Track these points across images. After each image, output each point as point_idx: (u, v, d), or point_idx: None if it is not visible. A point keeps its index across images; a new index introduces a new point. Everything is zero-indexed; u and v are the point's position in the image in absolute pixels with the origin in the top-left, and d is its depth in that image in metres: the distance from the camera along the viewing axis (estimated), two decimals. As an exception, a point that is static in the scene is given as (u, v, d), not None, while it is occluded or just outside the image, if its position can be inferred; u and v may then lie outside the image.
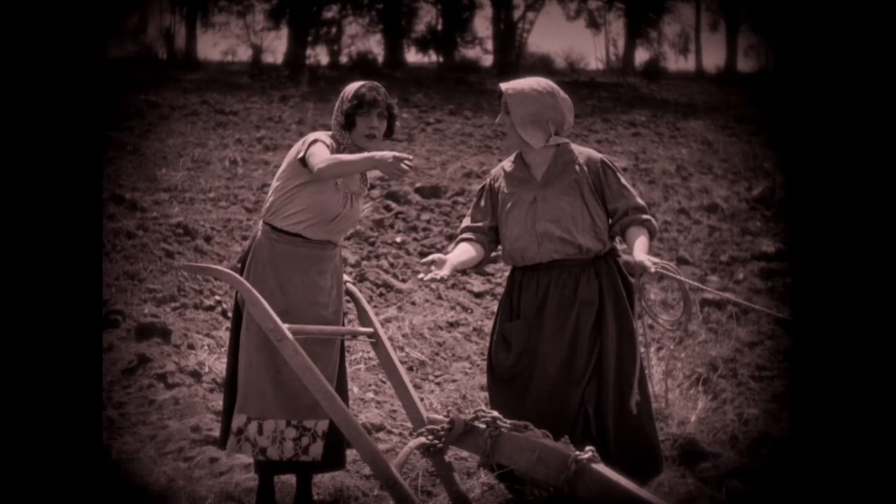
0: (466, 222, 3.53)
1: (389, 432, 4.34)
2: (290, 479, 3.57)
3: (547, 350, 3.31)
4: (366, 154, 3.15)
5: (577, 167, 3.39)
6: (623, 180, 3.42)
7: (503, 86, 3.41)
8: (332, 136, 3.40)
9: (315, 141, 3.31)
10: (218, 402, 4.36)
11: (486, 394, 4.86)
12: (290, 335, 3.04)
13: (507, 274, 7.17)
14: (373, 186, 9.74)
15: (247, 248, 3.47)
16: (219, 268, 3.25)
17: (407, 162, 3.05)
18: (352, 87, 3.40)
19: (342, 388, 3.47)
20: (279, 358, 3.25)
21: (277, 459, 3.34)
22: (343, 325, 3.59)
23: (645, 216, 3.39)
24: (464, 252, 3.41)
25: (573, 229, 3.33)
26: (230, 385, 3.42)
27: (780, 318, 4.55)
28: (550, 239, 3.33)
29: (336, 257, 3.48)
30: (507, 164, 3.53)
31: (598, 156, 3.45)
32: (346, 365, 3.62)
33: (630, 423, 3.32)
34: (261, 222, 3.44)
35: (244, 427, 3.31)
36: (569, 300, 3.33)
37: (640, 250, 3.25)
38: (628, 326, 3.34)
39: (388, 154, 3.06)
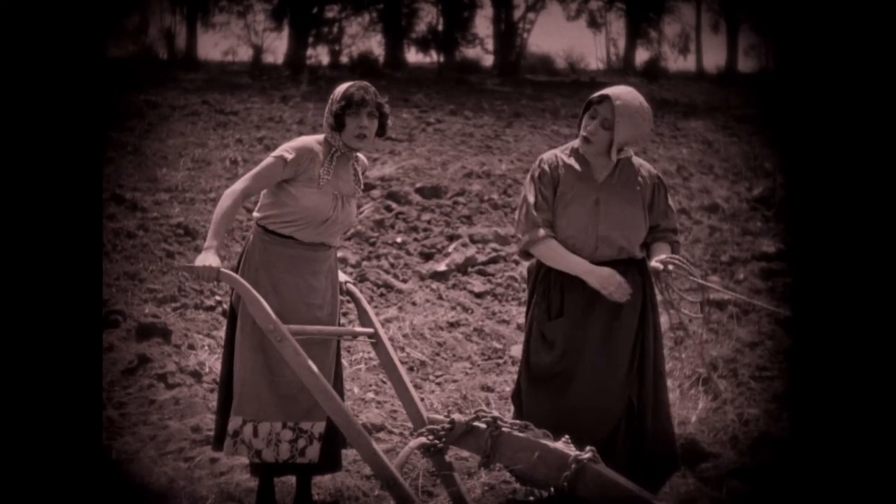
0: (541, 216, 3.32)
1: (390, 432, 4.34)
2: (290, 479, 3.57)
3: (595, 348, 3.29)
4: (206, 245, 3.17)
5: (640, 178, 3.41)
6: (671, 201, 3.48)
7: (614, 99, 3.25)
8: (324, 140, 3.40)
9: (278, 157, 3.30)
10: (218, 402, 4.37)
11: (492, 393, 4.87)
12: (289, 335, 3.04)
13: (507, 274, 7.24)
14: (373, 187, 9.74)
15: (241, 250, 3.47)
16: (220, 268, 3.24)
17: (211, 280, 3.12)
18: (340, 88, 3.38)
19: (338, 390, 3.46)
20: (274, 360, 3.26)
21: (273, 461, 3.33)
22: (340, 325, 3.58)
23: (676, 238, 3.48)
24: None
25: (633, 239, 3.36)
26: (224, 386, 3.42)
27: (781, 314, 4.55)
28: (609, 245, 3.32)
29: (331, 259, 3.47)
30: (563, 154, 3.41)
31: (655, 171, 3.49)
32: (342, 366, 3.62)
33: (662, 420, 3.39)
34: (254, 224, 3.44)
35: (240, 429, 3.30)
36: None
37: (658, 255, 3.37)
38: (659, 326, 3.42)
39: (209, 263, 3.09)
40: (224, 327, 5.72)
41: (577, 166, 3.37)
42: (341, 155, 3.40)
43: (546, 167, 3.38)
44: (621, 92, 3.30)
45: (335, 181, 3.37)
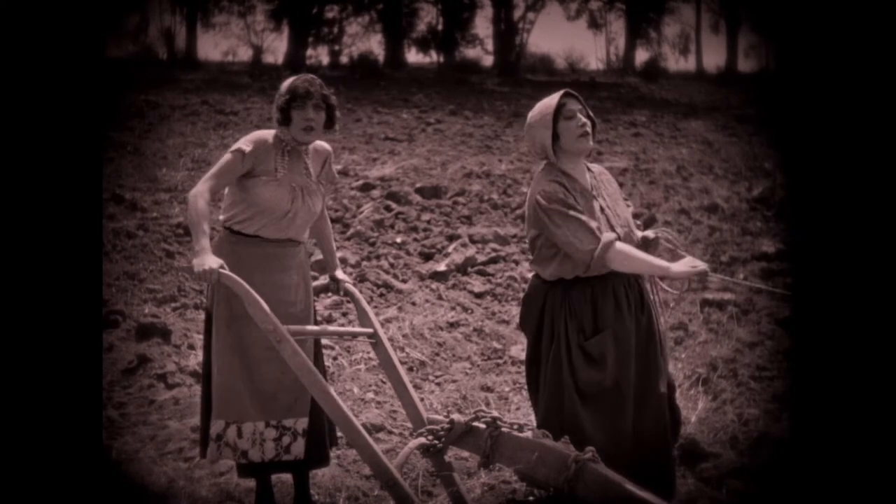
0: (594, 223, 3.15)
1: (390, 432, 4.34)
2: (290, 479, 3.57)
3: (639, 359, 3.23)
4: (198, 248, 3.12)
5: (606, 176, 3.41)
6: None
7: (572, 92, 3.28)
8: (275, 134, 3.39)
9: (235, 150, 3.30)
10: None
11: (492, 393, 4.87)
12: (289, 336, 3.04)
13: (507, 275, 7.24)
14: (373, 187, 9.74)
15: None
16: (220, 270, 3.23)
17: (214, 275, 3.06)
18: (286, 82, 3.38)
19: None
20: (253, 359, 3.29)
21: (259, 461, 3.34)
22: (314, 322, 3.57)
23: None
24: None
25: (637, 230, 3.35)
26: (207, 391, 3.42)
27: (768, 289, 4.56)
28: (629, 242, 3.24)
29: (300, 254, 3.47)
30: (551, 179, 3.22)
31: (603, 168, 3.50)
32: (324, 364, 3.64)
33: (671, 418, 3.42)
34: (221, 227, 3.44)
35: (223, 432, 3.31)
36: (640, 302, 3.29)
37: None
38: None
39: (207, 266, 3.05)
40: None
41: (570, 182, 3.24)
42: (292, 149, 3.40)
43: (556, 190, 3.18)
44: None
45: (291, 174, 3.37)
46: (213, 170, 3.31)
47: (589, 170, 3.36)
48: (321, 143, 3.53)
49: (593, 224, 3.15)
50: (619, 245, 3.13)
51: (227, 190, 3.39)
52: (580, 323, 3.21)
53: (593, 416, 3.17)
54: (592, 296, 3.22)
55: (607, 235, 3.13)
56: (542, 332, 3.28)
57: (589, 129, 3.24)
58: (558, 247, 3.20)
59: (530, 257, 3.38)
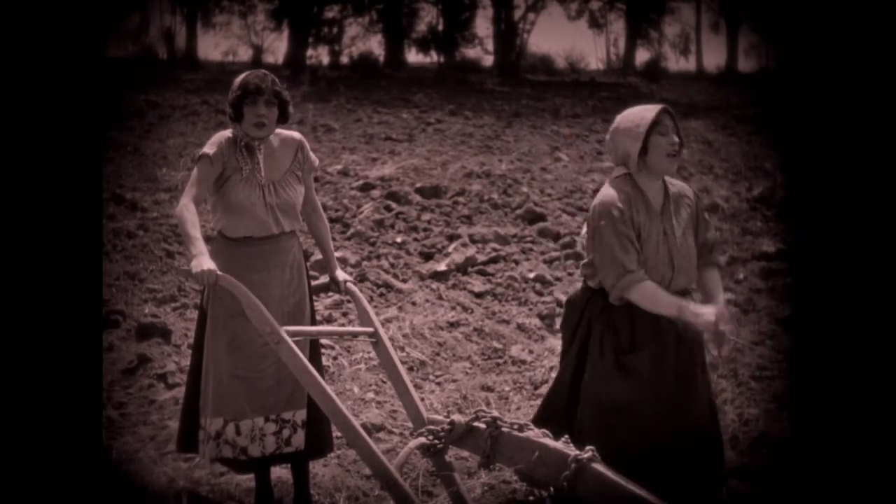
0: (627, 258, 3.04)
1: (390, 432, 4.34)
2: (290, 478, 3.57)
3: (672, 384, 3.14)
4: (195, 252, 3.14)
5: (687, 200, 3.25)
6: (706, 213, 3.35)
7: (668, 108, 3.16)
8: (232, 133, 3.39)
9: (201, 156, 3.33)
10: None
11: (492, 393, 4.87)
12: (287, 338, 3.04)
13: (507, 274, 7.24)
14: (373, 187, 9.74)
15: None
16: (219, 273, 3.23)
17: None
18: (238, 78, 3.38)
19: None
20: (250, 357, 3.31)
21: (260, 456, 3.36)
22: (313, 317, 3.57)
23: (718, 258, 3.33)
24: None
25: (696, 264, 3.18)
26: (193, 387, 3.43)
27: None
28: (685, 274, 3.15)
29: (294, 248, 3.47)
30: (620, 189, 3.13)
31: (690, 188, 3.33)
32: (321, 360, 3.64)
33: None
34: (216, 233, 3.46)
35: (222, 430, 3.33)
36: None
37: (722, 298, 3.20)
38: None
39: (205, 267, 3.07)
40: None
41: (638, 198, 3.13)
42: (246, 145, 3.40)
43: (620, 205, 3.07)
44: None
45: (253, 171, 3.37)
46: (190, 181, 3.35)
47: (667, 187, 3.21)
48: (289, 134, 3.53)
49: (622, 258, 3.04)
50: (641, 287, 3.04)
51: (210, 199, 3.42)
52: (616, 341, 3.14)
53: (622, 429, 3.09)
54: (631, 313, 3.13)
55: (630, 277, 3.03)
56: (575, 336, 3.24)
57: (678, 149, 3.13)
58: None
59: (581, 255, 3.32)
